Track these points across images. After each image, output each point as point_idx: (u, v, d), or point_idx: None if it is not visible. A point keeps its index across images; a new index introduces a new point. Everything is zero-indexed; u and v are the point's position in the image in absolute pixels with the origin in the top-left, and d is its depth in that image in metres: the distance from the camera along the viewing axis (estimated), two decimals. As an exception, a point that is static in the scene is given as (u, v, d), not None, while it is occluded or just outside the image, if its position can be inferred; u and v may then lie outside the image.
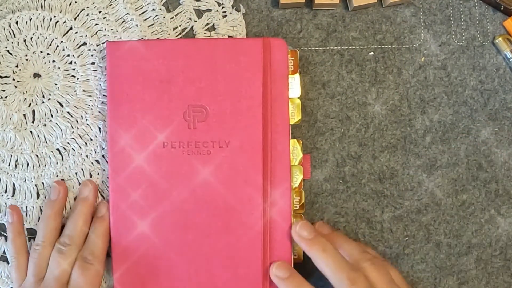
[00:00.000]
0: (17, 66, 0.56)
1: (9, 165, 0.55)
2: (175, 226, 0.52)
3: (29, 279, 0.52)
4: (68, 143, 0.55)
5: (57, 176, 0.55)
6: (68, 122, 0.55)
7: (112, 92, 0.53)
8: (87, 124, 0.55)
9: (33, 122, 0.55)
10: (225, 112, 0.52)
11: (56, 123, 0.55)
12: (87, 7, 0.56)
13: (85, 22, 0.56)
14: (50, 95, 0.56)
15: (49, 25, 0.56)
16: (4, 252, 0.55)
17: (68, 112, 0.55)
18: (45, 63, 0.56)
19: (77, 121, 0.55)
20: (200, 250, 0.52)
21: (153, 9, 0.56)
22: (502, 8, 0.57)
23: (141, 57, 0.53)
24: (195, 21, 0.57)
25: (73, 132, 0.55)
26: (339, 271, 0.48)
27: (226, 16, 0.57)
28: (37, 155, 0.55)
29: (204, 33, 0.57)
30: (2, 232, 0.55)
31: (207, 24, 0.57)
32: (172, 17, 0.57)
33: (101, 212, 0.53)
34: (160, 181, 0.52)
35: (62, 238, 0.52)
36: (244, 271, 0.52)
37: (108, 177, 0.53)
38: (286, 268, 0.51)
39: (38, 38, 0.56)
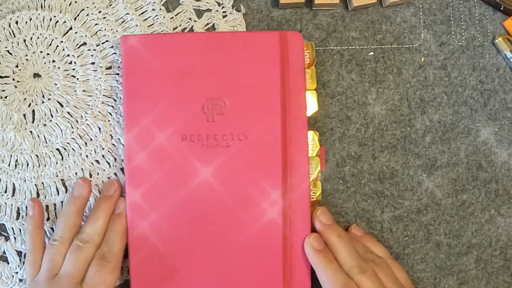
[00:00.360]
0: (17, 66, 0.56)
1: (9, 165, 0.55)
2: (195, 220, 0.52)
3: (42, 274, 0.51)
4: (68, 143, 0.55)
5: (57, 176, 0.55)
6: (68, 122, 0.55)
7: (128, 86, 0.53)
8: (87, 124, 0.55)
9: (33, 122, 0.55)
10: (244, 104, 0.53)
11: (56, 123, 0.55)
12: (87, 7, 0.56)
13: (85, 22, 0.56)
14: (50, 95, 0.56)
15: (49, 25, 0.56)
16: (4, 252, 0.55)
17: (68, 112, 0.55)
18: (45, 63, 0.56)
19: (77, 121, 0.55)
20: (220, 244, 0.52)
21: (153, 9, 0.57)
22: (502, 8, 0.57)
23: (157, 50, 0.53)
24: (195, 21, 0.57)
25: (73, 132, 0.55)
26: (351, 259, 0.50)
27: (226, 16, 0.57)
28: (37, 155, 0.55)
29: (204, 33, 0.57)
30: (2, 232, 0.55)
31: (207, 24, 0.57)
32: (172, 17, 0.57)
33: (120, 209, 0.53)
34: (179, 174, 0.52)
35: (81, 235, 0.52)
36: (264, 263, 0.52)
37: (123, 172, 0.53)
38: (321, 242, 0.52)
39: (38, 38, 0.56)
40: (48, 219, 0.55)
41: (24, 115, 0.55)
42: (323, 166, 0.55)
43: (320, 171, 0.54)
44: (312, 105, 0.54)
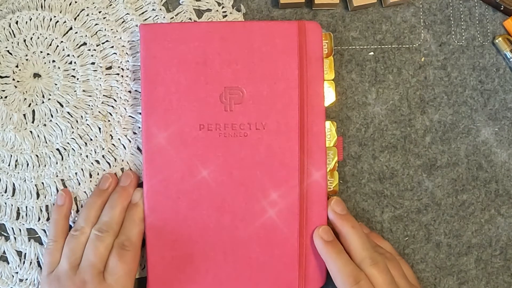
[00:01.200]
0: (17, 66, 0.56)
1: (9, 165, 0.55)
2: (212, 209, 0.52)
3: (63, 266, 0.51)
4: (68, 143, 0.55)
5: (57, 176, 0.55)
6: (68, 122, 0.55)
7: (146, 75, 0.53)
8: (87, 124, 0.55)
9: (33, 122, 0.55)
10: (262, 94, 0.53)
11: (56, 123, 0.55)
12: (87, 7, 0.56)
13: (85, 22, 0.56)
14: (50, 95, 0.56)
15: (49, 25, 0.56)
16: (4, 252, 0.55)
17: (68, 112, 0.55)
18: (45, 63, 0.56)
19: (77, 121, 0.55)
20: (235, 232, 0.52)
21: (153, 9, 0.57)
22: (502, 8, 0.57)
23: (176, 39, 0.53)
24: (195, 21, 0.57)
25: (73, 132, 0.55)
26: (364, 249, 0.50)
27: (226, 16, 0.57)
28: (37, 155, 0.55)
29: (204, 33, 0.57)
30: (2, 232, 0.55)
31: (207, 24, 0.57)
32: (172, 17, 0.57)
33: (136, 199, 0.53)
34: (196, 164, 0.52)
35: (99, 225, 0.52)
36: (280, 252, 0.52)
37: (141, 161, 0.53)
38: (331, 233, 0.52)
39: (38, 38, 0.56)
40: (47, 219, 0.55)
41: (24, 115, 0.55)
42: (340, 156, 0.55)
43: (337, 162, 0.54)
44: (329, 95, 0.54)
